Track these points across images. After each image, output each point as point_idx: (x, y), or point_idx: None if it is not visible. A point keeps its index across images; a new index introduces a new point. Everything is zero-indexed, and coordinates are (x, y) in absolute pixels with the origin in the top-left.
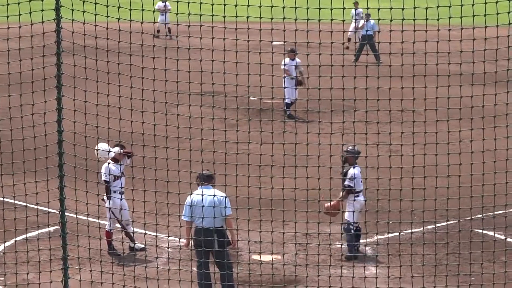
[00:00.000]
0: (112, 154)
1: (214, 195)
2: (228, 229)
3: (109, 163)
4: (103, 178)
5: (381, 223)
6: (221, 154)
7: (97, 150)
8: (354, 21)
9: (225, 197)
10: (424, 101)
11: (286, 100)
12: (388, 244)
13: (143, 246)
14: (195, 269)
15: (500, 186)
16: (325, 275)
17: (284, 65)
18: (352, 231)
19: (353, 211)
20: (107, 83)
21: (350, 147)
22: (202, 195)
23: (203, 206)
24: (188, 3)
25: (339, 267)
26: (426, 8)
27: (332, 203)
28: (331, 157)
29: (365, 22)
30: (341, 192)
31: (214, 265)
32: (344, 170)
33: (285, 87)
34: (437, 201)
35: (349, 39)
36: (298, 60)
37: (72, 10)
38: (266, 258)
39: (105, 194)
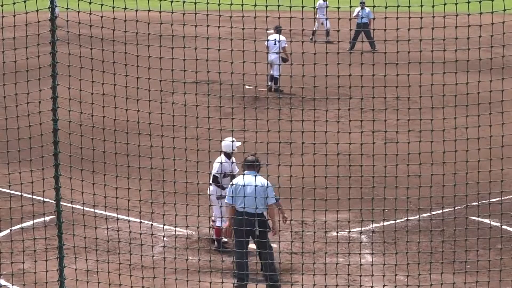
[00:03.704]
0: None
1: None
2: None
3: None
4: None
5: (377, 210)
6: (217, 142)
7: (232, 141)
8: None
9: (267, 186)
10: (419, 88)
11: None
12: (384, 231)
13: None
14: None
15: (496, 173)
16: (321, 263)
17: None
18: None
19: None
20: (102, 72)
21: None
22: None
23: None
24: None
25: (334, 255)
26: None
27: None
28: (326, 144)
29: (360, 10)
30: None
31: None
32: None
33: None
34: (432, 189)
35: (313, 32)
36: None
37: None
38: None
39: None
